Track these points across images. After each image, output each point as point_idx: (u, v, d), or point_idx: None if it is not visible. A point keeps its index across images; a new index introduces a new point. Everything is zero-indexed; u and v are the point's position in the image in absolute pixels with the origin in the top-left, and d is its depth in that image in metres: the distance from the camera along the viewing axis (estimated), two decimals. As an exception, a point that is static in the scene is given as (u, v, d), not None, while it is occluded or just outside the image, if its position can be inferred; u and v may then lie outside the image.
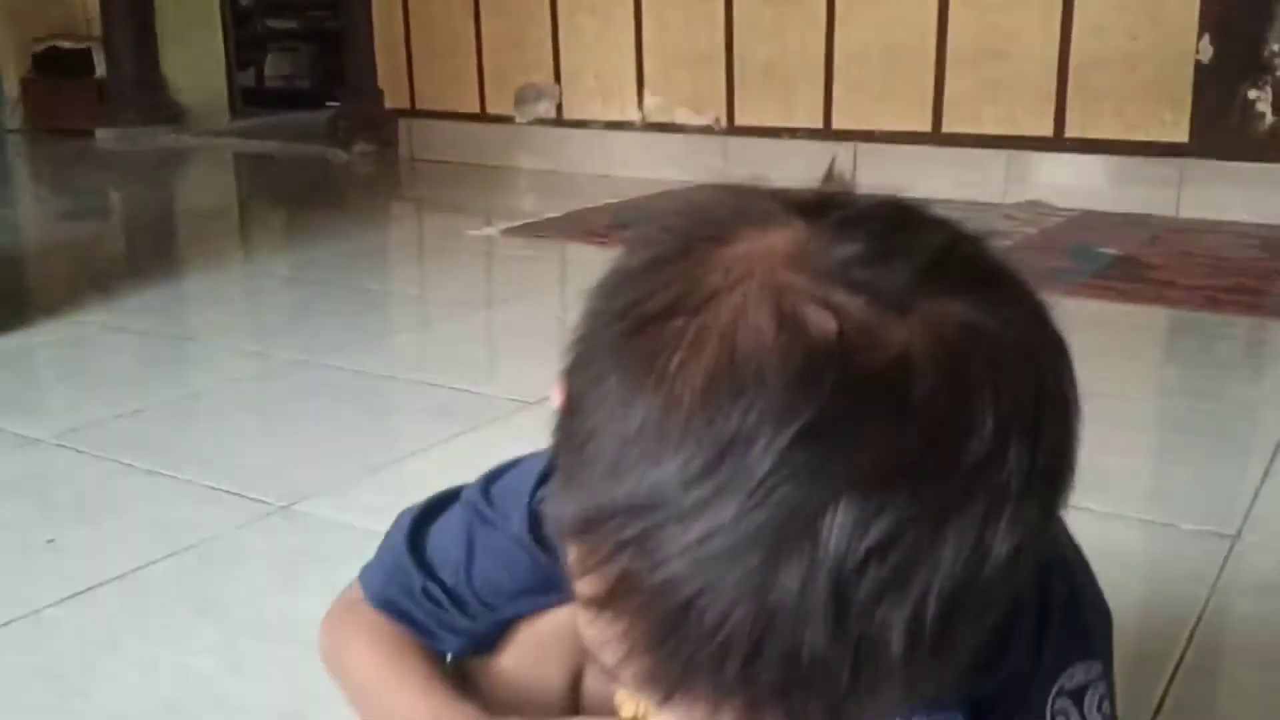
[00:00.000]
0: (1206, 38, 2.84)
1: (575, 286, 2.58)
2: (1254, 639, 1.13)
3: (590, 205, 3.20)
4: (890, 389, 0.38)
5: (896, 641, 0.38)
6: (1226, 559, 1.23)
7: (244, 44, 5.66)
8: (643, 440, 0.39)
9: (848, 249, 0.40)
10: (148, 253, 3.06)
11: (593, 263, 2.65)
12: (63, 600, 1.21)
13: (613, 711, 0.70)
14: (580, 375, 0.43)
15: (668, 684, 0.40)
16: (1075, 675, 0.59)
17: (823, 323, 0.38)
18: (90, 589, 1.23)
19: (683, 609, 0.38)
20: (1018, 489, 0.40)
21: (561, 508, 0.42)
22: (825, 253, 0.40)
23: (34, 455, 1.60)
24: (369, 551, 1.30)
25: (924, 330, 0.39)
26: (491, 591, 0.66)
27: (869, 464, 0.38)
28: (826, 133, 3.21)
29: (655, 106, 3.63)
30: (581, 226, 2.94)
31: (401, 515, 0.70)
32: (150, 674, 1.08)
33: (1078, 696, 0.59)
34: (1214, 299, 2.19)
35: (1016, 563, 0.41)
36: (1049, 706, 0.59)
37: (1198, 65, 2.86)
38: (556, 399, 0.46)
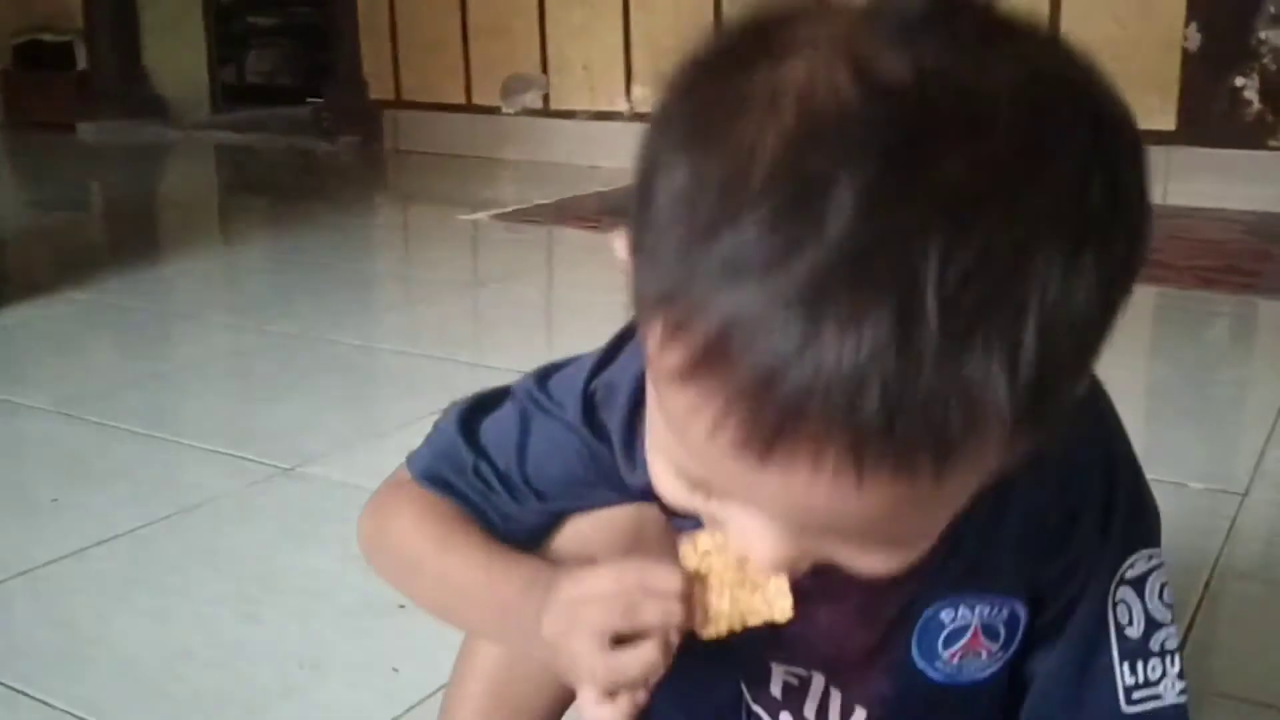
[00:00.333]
0: (1194, 25, 2.86)
1: (568, 267, 2.58)
2: (1267, 587, 1.13)
3: (580, 193, 3.20)
4: (972, 120, 0.38)
5: (997, 373, 0.37)
6: (1237, 514, 1.24)
7: (226, 40, 5.62)
8: (723, 199, 0.38)
9: (912, 10, 0.40)
10: (131, 239, 3.03)
11: (585, 246, 2.67)
12: (71, 554, 1.19)
13: None
14: (654, 152, 0.42)
15: (767, 435, 0.39)
16: (1137, 565, 0.60)
17: (898, 68, 0.38)
18: (99, 543, 1.21)
19: (779, 356, 0.37)
20: (1103, 220, 0.40)
21: (643, 284, 0.41)
22: (891, 17, 0.40)
23: (33, 421, 1.58)
24: (376, 510, 1.30)
25: (1000, 69, 0.39)
26: (543, 479, 0.65)
27: (955, 187, 0.37)
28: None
29: (644, 97, 3.63)
30: (572, 212, 2.94)
31: (449, 408, 0.69)
32: (163, 623, 1.07)
33: (1139, 585, 0.60)
34: (1207, 279, 2.21)
35: (1107, 309, 0.41)
36: (1110, 597, 0.59)
37: (1185, 53, 2.88)
38: (620, 249, 0.45)
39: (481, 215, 2.95)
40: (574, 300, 2.22)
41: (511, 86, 3.87)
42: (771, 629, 0.58)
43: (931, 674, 0.62)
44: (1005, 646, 0.62)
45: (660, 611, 0.53)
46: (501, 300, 2.27)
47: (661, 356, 0.41)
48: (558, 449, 0.64)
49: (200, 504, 1.31)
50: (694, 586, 0.54)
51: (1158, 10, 2.86)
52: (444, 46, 3.97)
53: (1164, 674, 0.60)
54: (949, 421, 0.38)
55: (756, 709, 0.69)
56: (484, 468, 0.65)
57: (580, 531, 0.66)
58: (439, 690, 0.95)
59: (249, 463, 1.42)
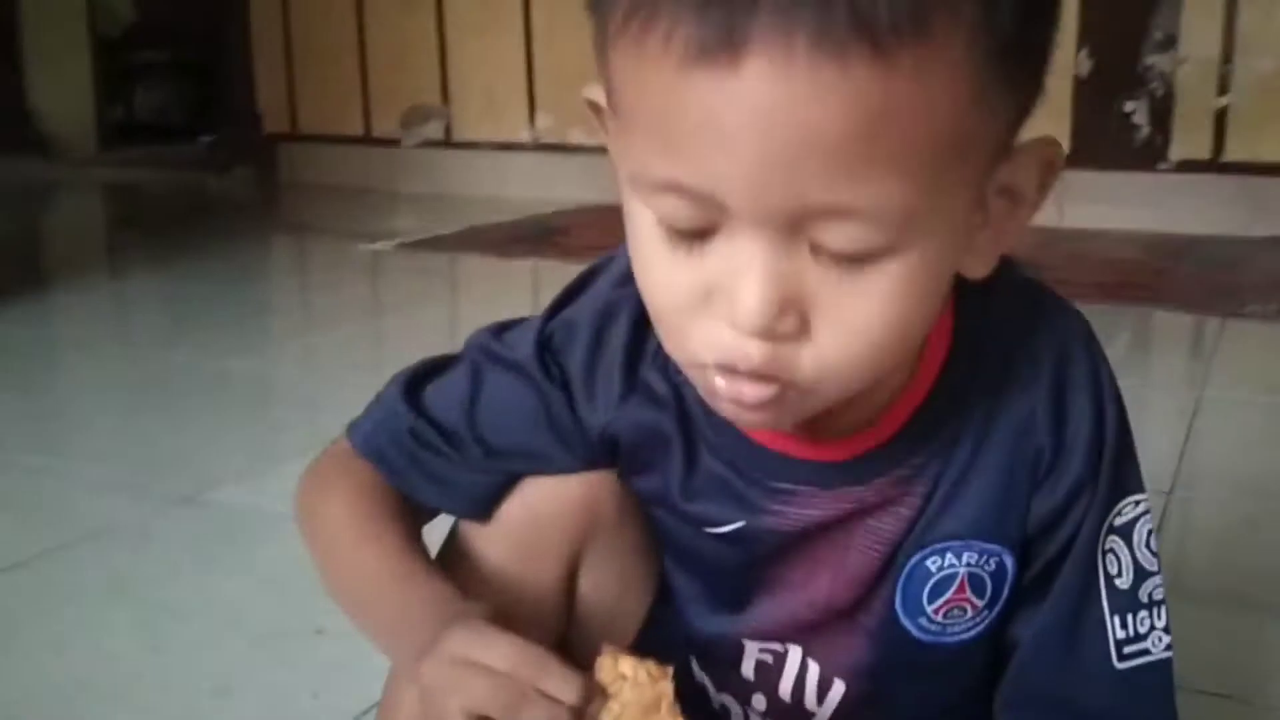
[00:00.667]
0: (1084, 52, 2.94)
1: (472, 293, 2.54)
2: (1198, 580, 1.13)
3: (484, 223, 3.16)
4: None
5: None
6: (1164, 512, 1.24)
7: (114, 77, 5.48)
8: None
9: None
10: (17, 273, 2.90)
11: (491, 273, 2.62)
12: (-44, 588, 1.11)
13: (603, 628, 0.66)
14: None
15: (740, 21, 0.41)
16: (1125, 511, 0.58)
17: None
18: (-14, 575, 1.13)
19: None
20: None
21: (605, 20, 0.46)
22: None
23: (-91, 455, 1.48)
24: (286, 534, 1.24)
25: None
26: (496, 431, 0.62)
27: None
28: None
29: (547, 127, 3.61)
30: (478, 241, 2.89)
31: (394, 376, 0.66)
32: (61, 654, 1.00)
33: (1127, 532, 0.58)
34: (1109, 293, 2.25)
35: None
36: (1100, 545, 0.58)
37: (1076, 79, 2.95)
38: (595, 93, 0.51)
39: (382, 245, 2.89)
40: (480, 323, 2.18)
41: (411, 118, 3.82)
42: (758, 585, 0.59)
43: (915, 632, 0.60)
44: (991, 604, 0.60)
45: (544, 718, 0.50)
46: (404, 326, 2.22)
47: (634, 51, 0.44)
48: (513, 398, 0.62)
49: (99, 533, 1.24)
50: (595, 700, 0.51)
51: (1049, 37, 2.93)
52: (342, 79, 3.91)
53: (1152, 627, 0.59)
54: None
55: (722, 698, 0.66)
56: (422, 427, 0.62)
57: (529, 503, 0.63)
58: (363, 714, 0.90)
59: (149, 490, 1.35)
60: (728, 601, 0.64)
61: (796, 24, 0.40)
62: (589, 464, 0.62)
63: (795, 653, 0.63)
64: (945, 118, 0.44)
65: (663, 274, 0.49)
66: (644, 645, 0.63)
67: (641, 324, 0.59)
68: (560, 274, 2.68)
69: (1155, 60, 2.90)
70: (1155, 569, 0.59)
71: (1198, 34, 2.84)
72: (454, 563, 0.64)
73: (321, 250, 3.19)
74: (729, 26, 0.41)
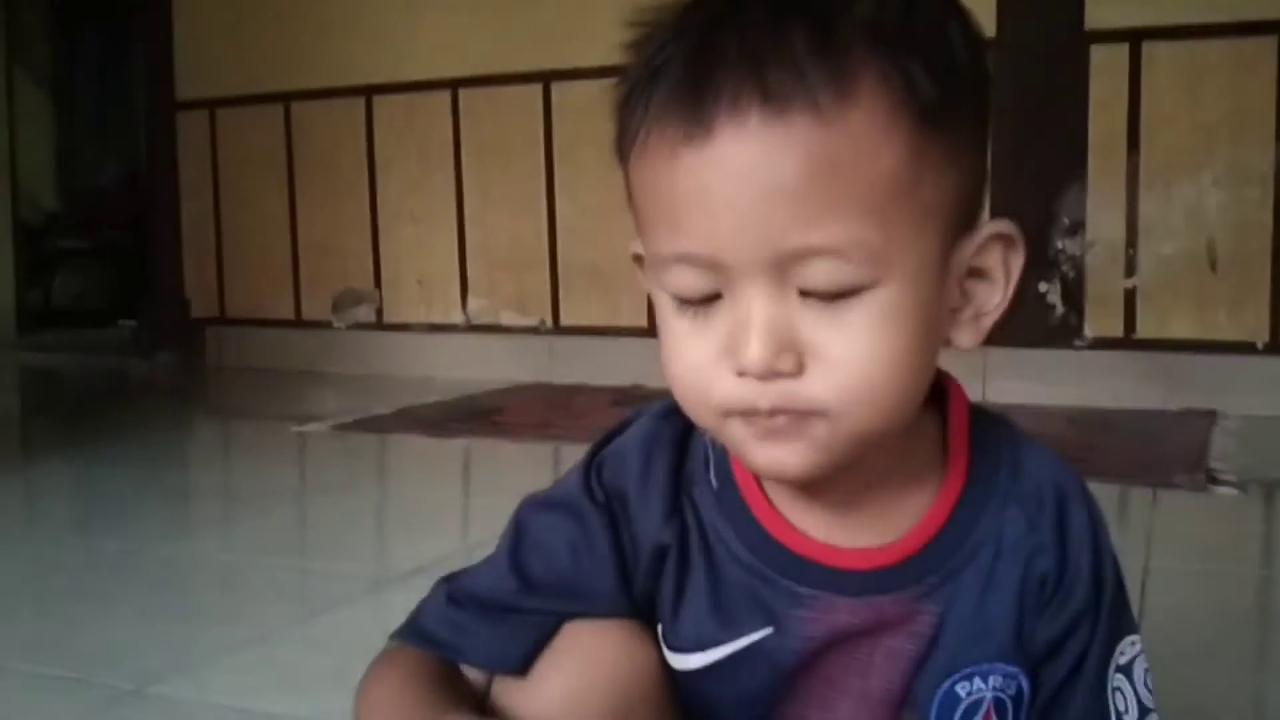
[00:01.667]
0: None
1: (409, 472, 2.51)
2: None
3: (419, 402, 3.15)
4: None
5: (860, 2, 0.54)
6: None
7: (35, 264, 5.45)
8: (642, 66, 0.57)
9: None
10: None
11: (428, 453, 2.60)
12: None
13: None
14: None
15: (701, 111, 0.54)
16: (1126, 651, 0.62)
17: None
18: (-82, 782, 1.06)
19: (693, 66, 0.55)
20: None
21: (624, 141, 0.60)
22: None
23: None
24: (239, 729, 1.19)
25: None
26: (535, 566, 0.64)
27: None
28: (651, 330, 3.28)
29: (480, 309, 3.65)
30: (413, 420, 2.88)
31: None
32: None
33: (1129, 671, 0.63)
34: (1040, 467, 2.30)
35: None
36: (1109, 683, 0.61)
37: (992, 262, 3.08)
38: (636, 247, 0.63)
39: (313, 427, 2.87)
40: (422, 501, 2.15)
41: (343, 301, 3.84)
42: None
43: None
44: None
45: None
46: (334, 509, 2.17)
47: (643, 159, 0.57)
48: (556, 532, 0.64)
49: (37, 732, 1.17)
50: None
51: (965, 223, 3.07)
52: (272, 263, 3.93)
53: None
54: (830, 42, 0.53)
55: None
56: (460, 592, 0.63)
57: (567, 679, 0.62)
58: None
59: (88, 685, 1.29)
60: None
61: (746, 100, 0.53)
62: (630, 600, 0.64)
63: None
64: (885, 166, 0.54)
65: (685, 347, 0.58)
66: None
67: (683, 449, 0.66)
68: (496, 452, 2.68)
69: (1065, 243, 3.05)
70: (1153, 707, 0.64)
71: (1103, 219, 3.00)
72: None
73: (249, 433, 3.15)
74: (700, 111, 0.54)
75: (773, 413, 0.56)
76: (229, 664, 1.37)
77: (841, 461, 0.58)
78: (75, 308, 5.72)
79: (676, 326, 0.58)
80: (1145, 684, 0.63)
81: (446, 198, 3.66)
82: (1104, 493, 2.11)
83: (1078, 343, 3.04)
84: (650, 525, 0.64)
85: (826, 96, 0.52)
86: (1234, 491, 2.09)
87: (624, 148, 0.59)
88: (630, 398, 3.09)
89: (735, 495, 0.65)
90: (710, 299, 0.57)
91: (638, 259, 0.63)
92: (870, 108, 0.53)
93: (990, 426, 0.65)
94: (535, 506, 0.67)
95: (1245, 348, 2.91)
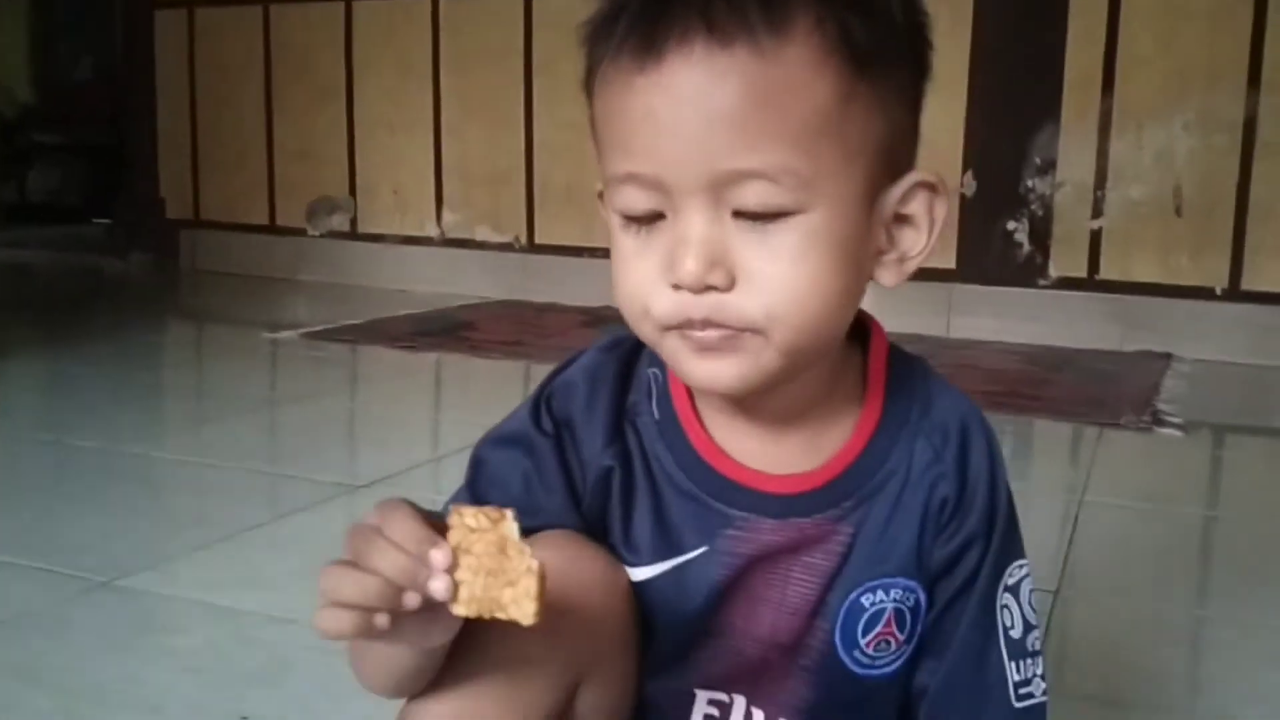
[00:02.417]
0: (970, 173, 3.11)
1: (379, 385, 2.56)
2: (1078, 677, 1.21)
3: (391, 314, 3.18)
4: None
5: None
6: (1050, 612, 1.32)
7: (9, 157, 5.40)
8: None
9: None
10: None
11: (397, 366, 2.63)
12: None
13: None
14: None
15: (655, 39, 0.59)
16: (1014, 573, 0.69)
17: None
18: (-104, 661, 1.12)
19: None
20: None
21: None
22: None
23: None
24: (204, 623, 1.25)
25: None
26: (497, 501, 0.67)
27: None
28: (624, 251, 3.31)
29: (454, 223, 3.67)
30: (383, 333, 2.92)
31: None
32: (-21, 740, 0.99)
33: (1016, 591, 0.69)
34: (995, 402, 2.36)
35: None
36: (998, 600, 0.67)
37: (963, 199, 3.12)
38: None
39: (285, 334, 2.90)
40: (391, 413, 2.20)
41: (318, 208, 3.85)
42: (705, 634, 0.68)
43: (850, 664, 0.69)
44: (909, 638, 0.70)
45: (382, 557, 0.55)
46: (302, 417, 2.22)
47: (603, 89, 0.63)
48: (509, 469, 0.70)
49: (10, 619, 1.22)
50: (455, 558, 0.56)
51: (938, 158, 3.09)
52: (248, 167, 3.93)
53: (1035, 673, 0.69)
54: None
55: None
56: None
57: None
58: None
59: (61, 576, 1.34)
60: (679, 656, 0.71)
61: (693, 33, 0.59)
62: (580, 517, 0.70)
63: (740, 702, 0.71)
64: (815, 101, 0.59)
65: (630, 267, 0.63)
66: None
67: (626, 379, 0.71)
68: (466, 367, 2.72)
69: (1035, 182, 3.08)
70: (1036, 623, 0.70)
71: (1074, 161, 3.04)
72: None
73: (221, 338, 3.18)
74: (652, 42, 0.59)
75: (705, 325, 0.61)
76: (197, 560, 1.42)
77: (772, 378, 0.63)
78: (50, 203, 5.68)
79: (624, 246, 0.63)
80: (1030, 603, 0.70)
81: (424, 108, 3.65)
82: (1052, 429, 2.21)
83: (1041, 281, 3.10)
84: (594, 449, 0.69)
85: (765, 33, 0.58)
86: (1178, 434, 2.16)
87: (590, 81, 0.64)
88: (600, 319, 3.13)
89: (675, 424, 0.70)
90: (654, 218, 0.61)
91: (601, 195, 0.68)
92: (803, 46, 0.59)
93: (906, 365, 0.71)
94: (491, 444, 0.72)
95: (1204, 293, 2.97)
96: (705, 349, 0.62)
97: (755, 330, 0.61)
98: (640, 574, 0.70)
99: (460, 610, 0.56)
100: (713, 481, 0.68)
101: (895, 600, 0.68)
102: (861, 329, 0.70)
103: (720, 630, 0.70)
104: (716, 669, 0.71)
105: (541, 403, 0.71)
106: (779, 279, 0.60)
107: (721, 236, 0.60)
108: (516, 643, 0.63)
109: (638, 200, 0.61)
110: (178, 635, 1.21)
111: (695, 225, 0.60)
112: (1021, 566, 0.70)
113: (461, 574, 0.56)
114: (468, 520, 0.57)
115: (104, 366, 2.52)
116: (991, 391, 2.46)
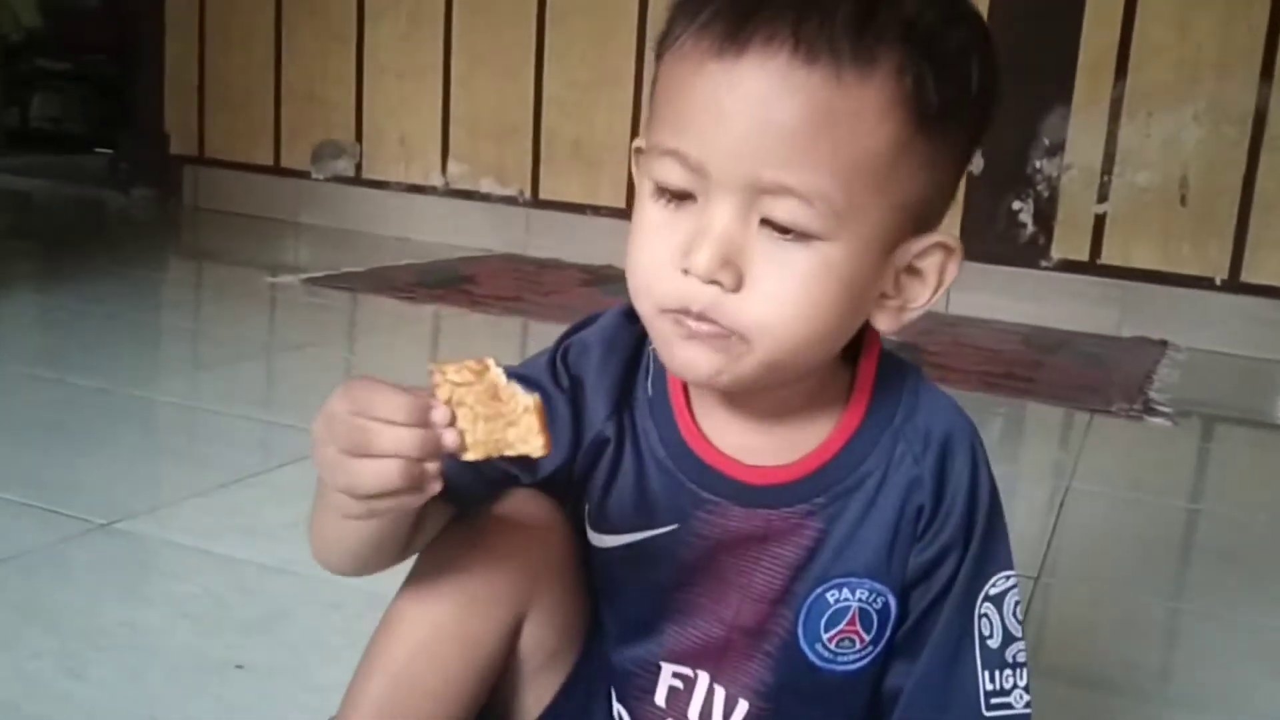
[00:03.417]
0: (978, 151, 3.10)
1: (378, 335, 2.57)
2: (1057, 660, 1.23)
3: (393, 263, 3.19)
4: None
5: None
6: (1031, 596, 1.34)
7: (12, 82, 5.36)
8: None
9: None
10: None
11: (397, 316, 2.64)
12: None
13: (534, 673, 0.73)
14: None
15: (740, 30, 0.60)
16: (998, 583, 0.70)
17: None
18: (-101, 594, 1.14)
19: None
20: None
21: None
22: None
23: None
24: (201, 569, 1.26)
25: None
26: None
27: None
28: (628, 212, 3.30)
29: (459, 174, 3.66)
30: (385, 281, 2.92)
31: None
32: (-20, 676, 1.01)
33: (998, 601, 0.71)
34: (989, 383, 2.38)
35: None
36: (976, 609, 0.69)
37: (970, 176, 3.11)
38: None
39: (286, 278, 2.90)
40: (388, 364, 2.21)
41: (323, 152, 3.84)
42: (672, 610, 0.70)
43: (811, 656, 0.71)
44: (875, 640, 0.71)
45: (390, 439, 0.57)
46: (318, 364, 2.24)
47: (676, 60, 0.63)
48: None
49: (10, 558, 1.24)
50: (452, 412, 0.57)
51: (947, 134, 3.09)
52: (255, 106, 3.91)
53: (1014, 685, 0.70)
54: (868, 24, 0.59)
55: None
56: None
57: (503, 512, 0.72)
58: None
59: (61, 517, 1.36)
60: (647, 627, 0.73)
61: (781, 38, 0.59)
62: (569, 474, 0.72)
63: (704, 678, 0.73)
64: (872, 144, 0.60)
65: (649, 239, 0.64)
66: (570, 680, 0.74)
67: (637, 352, 0.73)
68: (465, 322, 2.73)
69: (1042, 163, 3.09)
70: (1020, 636, 0.71)
71: (1082, 144, 3.04)
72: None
73: (222, 279, 3.18)
74: (737, 35, 0.60)
75: (700, 317, 0.62)
76: (194, 506, 1.44)
77: (746, 383, 0.65)
78: (53, 131, 5.65)
79: (648, 215, 0.64)
80: (1014, 615, 0.71)
81: (434, 56, 3.63)
82: (1045, 413, 2.23)
83: (1043, 263, 3.10)
84: (596, 416, 0.72)
85: (849, 63, 0.59)
86: (1167, 423, 2.18)
87: (663, 44, 0.65)
88: (601, 278, 3.14)
89: (665, 404, 0.72)
90: (685, 197, 0.62)
91: (638, 151, 0.69)
92: (880, 88, 0.60)
93: (896, 371, 0.72)
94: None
95: (1204, 282, 2.98)
96: (692, 337, 0.64)
97: (742, 337, 0.63)
98: (614, 541, 0.73)
99: (470, 455, 0.58)
100: (690, 463, 0.71)
101: (860, 600, 0.70)
102: (860, 335, 0.71)
103: (687, 608, 0.72)
104: (683, 645, 0.73)
105: (558, 357, 0.73)
106: (782, 295, 0.62)
107: (742, 238, 0.61)
108: (463, 573, 0.69)
109: (675, 176, 0.62)
110: (175, 581, 1.23)
111: (720, 220, 0.61)
112: (1008, 578, 0.71)
113: (461, 424, 0.57)
114: (451, 376, 0.58)
115: (105, 304, 2.52)
116: (987, 372, 2.47)
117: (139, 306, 2.63)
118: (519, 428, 0.58)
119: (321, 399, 0.61)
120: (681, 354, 0.64)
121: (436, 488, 0.58)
